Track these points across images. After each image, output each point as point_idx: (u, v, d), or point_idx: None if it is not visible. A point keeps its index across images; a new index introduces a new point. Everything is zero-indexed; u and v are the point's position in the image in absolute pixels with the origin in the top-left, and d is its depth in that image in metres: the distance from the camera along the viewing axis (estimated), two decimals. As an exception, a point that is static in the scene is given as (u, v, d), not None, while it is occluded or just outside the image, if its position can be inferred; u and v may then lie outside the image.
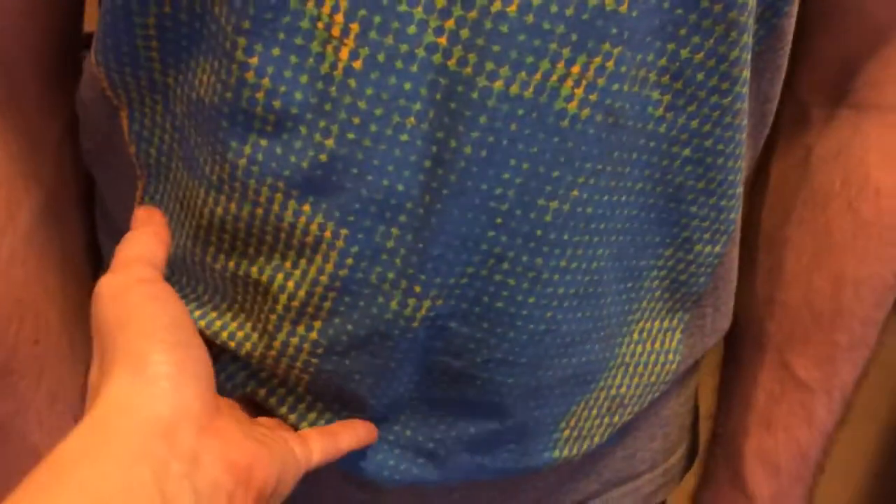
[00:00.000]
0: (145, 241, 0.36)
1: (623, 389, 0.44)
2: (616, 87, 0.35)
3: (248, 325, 0.40)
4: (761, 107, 0.45)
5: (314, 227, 0.36)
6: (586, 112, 0.35)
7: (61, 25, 0.45)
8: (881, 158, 0.46)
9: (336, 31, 0.33)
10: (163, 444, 0.29)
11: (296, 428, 0.41)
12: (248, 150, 0.36)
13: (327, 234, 0.36)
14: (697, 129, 0.38)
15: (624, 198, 0.39)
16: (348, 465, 0.42)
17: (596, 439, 0.45)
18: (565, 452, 0.44)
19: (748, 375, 0.52)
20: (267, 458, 0.33)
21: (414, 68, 0.34)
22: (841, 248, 0.48)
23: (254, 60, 0.34)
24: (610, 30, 0.34)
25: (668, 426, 0.52)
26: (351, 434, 0.39)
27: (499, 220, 0.36)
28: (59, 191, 0.47)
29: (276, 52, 0.34)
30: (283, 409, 0.41)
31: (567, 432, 0.44)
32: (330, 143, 0.35)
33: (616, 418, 0.45)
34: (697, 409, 0.57)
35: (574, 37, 0.34)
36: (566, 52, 0.34)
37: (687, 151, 0.39)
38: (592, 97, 0.35)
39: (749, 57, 0.38)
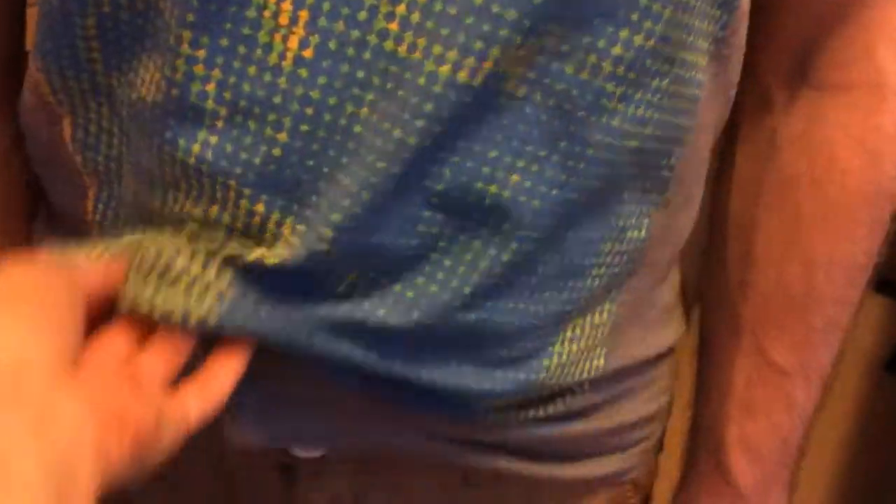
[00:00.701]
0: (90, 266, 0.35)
1: (552, 384, 0.43)
2: (556, 65, 0.34)
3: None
4: (726, 92, 0.44)
5: (271, 225, 0.36)
6: (523, 90, 0.34)
7: (2, 40, 0.44)
8: (845, 138, 0.46)
9: (284, 20, 0.33)
10: (9, 390, 0.27)
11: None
12: (196, 148, 0.35)
13: (285, 229, 0.35)
14: (641, 117, 0.38)
15: (575, 195, 0.38)
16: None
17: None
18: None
19: (725, 362, 0.52)
20: (139, 406, 0.31)
21: (367, 56, 0.33)
22: (810, 230, 0.47)
23: (201, 53, 0.33)
24: (564, 11, 0.33)
25: (630, 420, 0.51)
26: (226, 371, 0.36)
27: (434, 200, 0.35)
28: (7, 206, 0.46)
29: (224, 42, 0.33)
30: None
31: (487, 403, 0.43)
32: (283, 136, 0.34)
33: (536, 394, 0.44)
34: (670, 405, 0.56)
35: (527, 23, 0.33)
36: (517, 38, 0.33)
37: (634, 143, 0.38)
38: (531, 75, 0.34)
39: (696, 40, 0.38)
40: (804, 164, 0.47)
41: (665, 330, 0.51)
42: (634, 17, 0.35)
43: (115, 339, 0.34)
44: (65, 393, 0.28)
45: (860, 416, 1.25)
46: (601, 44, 0.35)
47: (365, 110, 0.34)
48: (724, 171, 0.52)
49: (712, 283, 0.51)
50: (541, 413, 0.44)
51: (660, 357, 0.52)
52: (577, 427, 0.47)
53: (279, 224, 0.35)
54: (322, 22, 0.33)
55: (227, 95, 0.34)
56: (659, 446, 0.58)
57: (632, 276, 0.44)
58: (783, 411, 0.50)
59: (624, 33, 0.35)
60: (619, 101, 0.36)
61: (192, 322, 0.35)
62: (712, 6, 0.39)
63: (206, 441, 0.49)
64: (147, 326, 0.35)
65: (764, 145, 0.49)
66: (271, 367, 0.38)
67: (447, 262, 0.37)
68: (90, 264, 0.35)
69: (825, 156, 0.46)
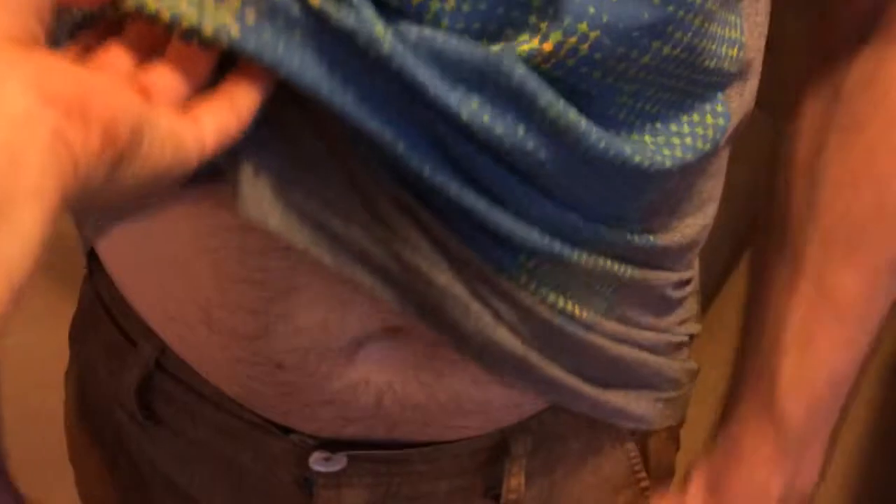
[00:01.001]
0: None
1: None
2: (585, 70, 0.34)
3: None
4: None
5: None
6: (535, 82, 0.33)
7: None
8: None
9: None
10: None
11: None
12: None
13: None
14: (648, 111, 0.38)
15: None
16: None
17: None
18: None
19: (783, 297, 0.50)
20: (110, 98, 0.26)
21: None
22: (881, 169, 0.47)
23: None
24: (587, 9, 0.32)
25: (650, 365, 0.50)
26: (248, 90, 0.31)
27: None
28: None
29: None
30: None
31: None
32: None
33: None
34: (692, 377, 0.55)
35: (551, 11, 0.32)
36: (544, 25, 0.33)
37: (636, 136, 0.38)
38: (557, 73, 0.33)
39: (718, 48, 0.38)
40: (869, 114, 0.47)
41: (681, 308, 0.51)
42: (669, 29, 0.35)
43: (115, 41, 0.30)
44: (9, 65, 0.24)
45: (874, 417, 1.25)
46: (634, 54, 0.34)
47: None
48: (790, 124, 0.51)
49: (774, 223, 0.51)
50: (576, 311, 0.42)
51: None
52: (603, 343, 0.45)
53: None
54: None
55: None
56: (676, 441, 0.58)
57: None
58: (840, 349, 0.49)
59: (657, 43, 0.35)
60: (632, 98, 0.36)
61: (208, 33, 0.28)
62: (728, 12, 0.39)
63: (221, 453, 0.50)
64: (163, 35, 0.30)
65: (829, 100, 0.49)
66: (298, 134, 0.35)
67: None
68: None
69: (888, 106, 0.46)
